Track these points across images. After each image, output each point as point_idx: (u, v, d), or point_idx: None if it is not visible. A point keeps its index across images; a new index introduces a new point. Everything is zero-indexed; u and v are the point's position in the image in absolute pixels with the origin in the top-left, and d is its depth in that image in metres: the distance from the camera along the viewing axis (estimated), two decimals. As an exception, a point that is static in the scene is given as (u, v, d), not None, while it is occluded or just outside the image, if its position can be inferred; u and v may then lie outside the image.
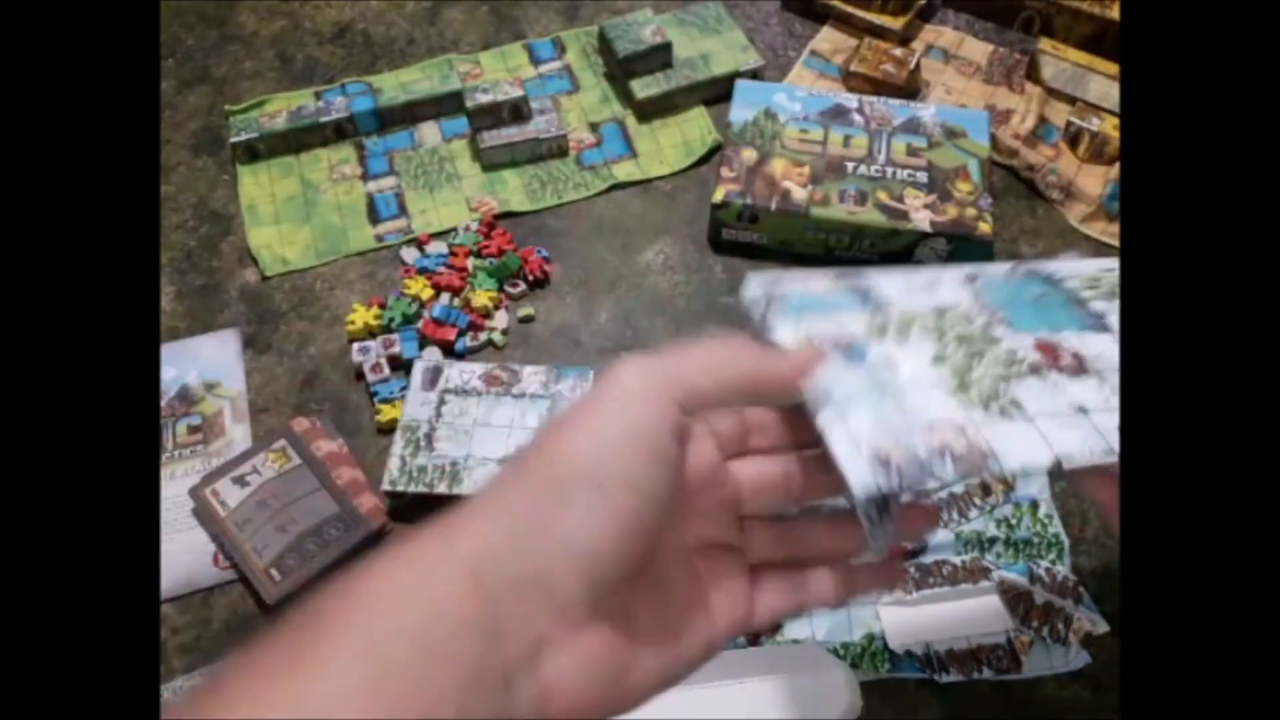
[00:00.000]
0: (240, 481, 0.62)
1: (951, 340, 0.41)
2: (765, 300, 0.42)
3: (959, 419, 0.36)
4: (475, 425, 0.63)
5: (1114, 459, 0.34)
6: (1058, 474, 0.35)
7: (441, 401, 0.65)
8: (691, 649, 0.29)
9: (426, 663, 0.22)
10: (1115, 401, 0.36)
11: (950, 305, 0.43)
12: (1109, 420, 0.36)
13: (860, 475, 0.31)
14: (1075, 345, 0.40)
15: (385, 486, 0.61)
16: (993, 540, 0.59)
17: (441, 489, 0.60)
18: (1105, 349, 0.40)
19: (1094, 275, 0.46)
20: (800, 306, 0.42)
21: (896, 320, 0.41)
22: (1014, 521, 0.60)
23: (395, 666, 0.22)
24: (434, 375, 0.66)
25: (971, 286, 0.45)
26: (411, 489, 0.60)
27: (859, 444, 0.33)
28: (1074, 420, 0.37)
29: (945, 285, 0.45)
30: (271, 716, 0.21)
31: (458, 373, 0.66)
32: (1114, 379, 0.38)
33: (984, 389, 0.38)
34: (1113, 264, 0.46)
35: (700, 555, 0.30)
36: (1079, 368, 0.39)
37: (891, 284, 0.45)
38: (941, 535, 0.59)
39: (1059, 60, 0.85)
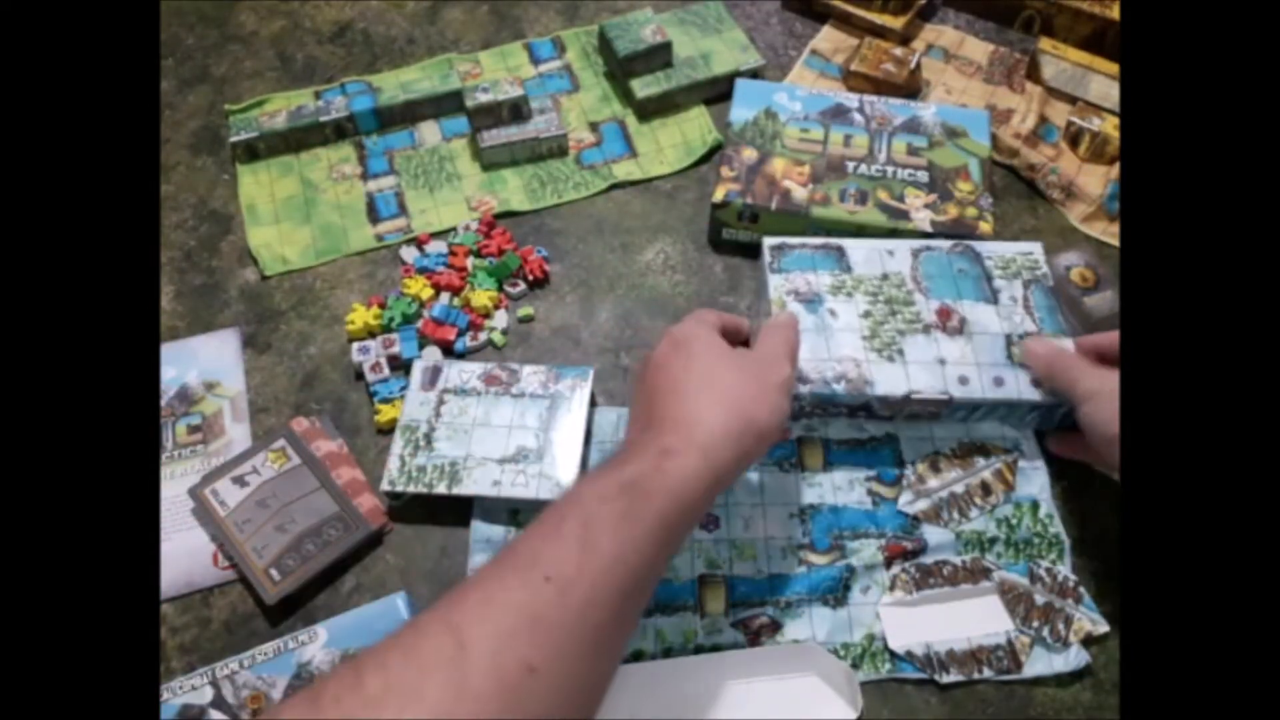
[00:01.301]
0: (240, 481, 0.62)
1: (881, 301, 0.63)
2: (775, 252, 0.66)
3: (859, 357, 0.60)
4: (474, 425, 0.63)
5: (946, 397, 0.59)
6: (906, 402, 0.59)
7: (441, 401, 0.65)
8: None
9: (691, 505, 0.43)
10: (970, 356, 0.60)
11: (894, 272, 0.65)
12: (955, 370, 0.60)
13: None
14: (965, 312, 0.62)
15: (384, 486, 0.61)
16: (993, 540, 0.59)
17: (441, 489, 0.60)
18: (984, 317, 0.62)
19: (1010, 258, 0.66)
20: (794, 261, 0.65)
21: (851, 282, 0.64)
22: (1014, 522, 0.60)
23: (686, 502, 0.43)
24: (433, 375, 0.66)
25: (916, 258, 0.65)
26: (411, 489, 0.60)
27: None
28: (933, 367, 0.60)
29: (899, 255, 0.66)
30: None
31: (457, 372, 0.66)
32: (978, 340, 0.61)
33: (884, 339, 0.61)
34: (1029, 248, 0.66)
35: None
36: (959, 329, 0.61)
37: (859, 250, 0.66)
38: (941, 535, 0.59)
39: (1059, 60, 0.85)
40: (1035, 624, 0.55)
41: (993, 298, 0.63)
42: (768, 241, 0.66)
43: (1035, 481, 0.61)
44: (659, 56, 0.85)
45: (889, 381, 0.59)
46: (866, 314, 0.62)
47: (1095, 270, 0.68)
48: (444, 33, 0.93)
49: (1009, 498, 0.61)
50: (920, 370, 0.60)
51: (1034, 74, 0.86)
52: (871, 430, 0.64)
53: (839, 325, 0.62)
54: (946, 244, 0.66)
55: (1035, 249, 0.66)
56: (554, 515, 0.41)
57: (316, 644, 0.55)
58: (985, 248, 0.66)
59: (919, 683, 0.55)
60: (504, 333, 0.71)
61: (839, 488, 0.61)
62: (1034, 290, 0.63)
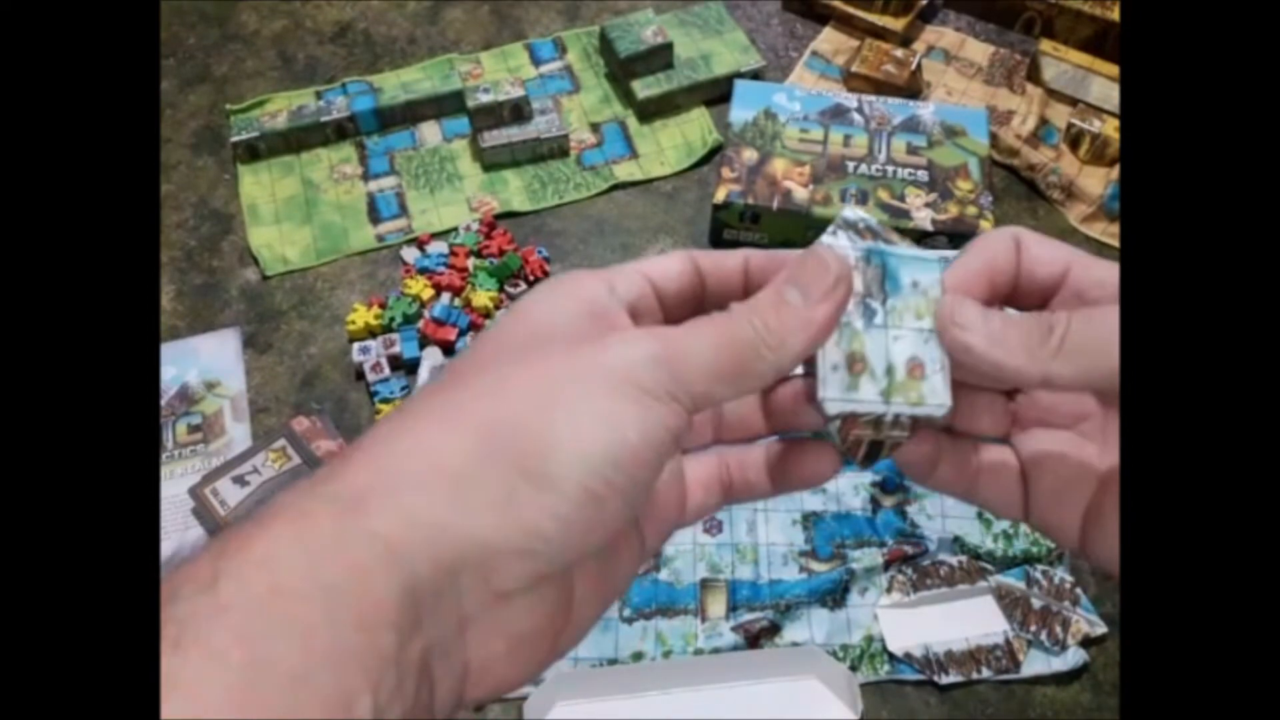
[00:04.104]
0: (240, 481, 0.62)
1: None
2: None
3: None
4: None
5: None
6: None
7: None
8: (623, 583, 0.26)
9: (325, 668, 0.18)
10: None
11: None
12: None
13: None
14: None
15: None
16: (990, 553, 0.59)
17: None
18: None
19: None
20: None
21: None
22: (1011, 532, 0.60)
23: (285, 674, 0.18)
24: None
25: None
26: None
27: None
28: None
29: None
30: None
31: (459, 372, 0.66)
32: None
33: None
34: None
35: None
36: None
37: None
38: (939, 537, 0.59)
39: (1060, 62, 0.85)
40: (1033, 628, 0.55)
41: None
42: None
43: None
44: (660, 57, 0.85)
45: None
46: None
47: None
48: (445, 33, 0.93)
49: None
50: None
51: (1035, 76, 0.86)
52: None
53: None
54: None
55: None
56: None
57: (316, 644, 0.55)
58: None
59: (918, 684, 0.55)
60: (504, 333, 0.71)
61: (842, 493, 0.61)
62: None
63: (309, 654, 0.18)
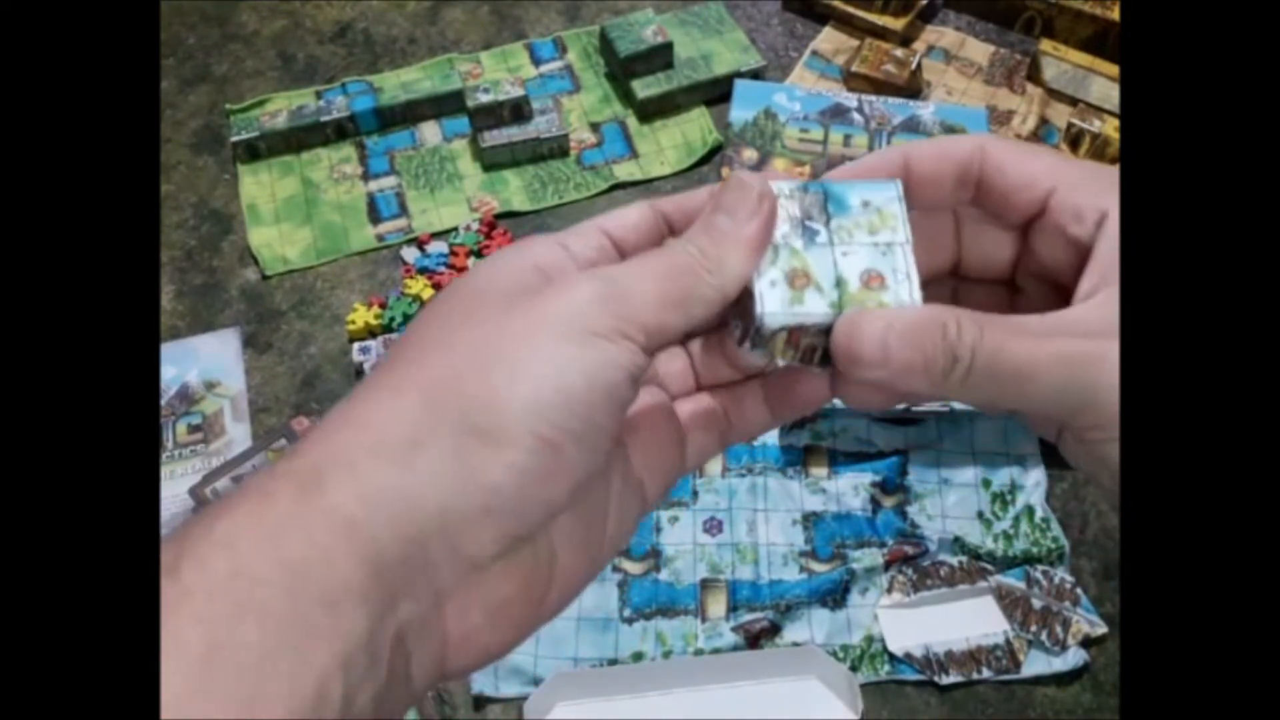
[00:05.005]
0: (240, 481, 0.62)
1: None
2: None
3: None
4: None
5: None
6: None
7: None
8: (617, 539, 0.25)
9: (289, 649, 0.18)
10: None
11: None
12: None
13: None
14: None
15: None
16: (990, 554, 0.59)
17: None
18: None
19: None
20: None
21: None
22: (1011, 532, 0.60)
23: (247, 657, 0.18)
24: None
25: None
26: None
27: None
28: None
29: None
30: None
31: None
32: None
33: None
34: None
35: (630, 447, 0.26)
36: None
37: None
38: (939, 537, 0.59)
39: (1060, 61, 0.85)
40: (1033, 628, 0.55)
41: None
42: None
43: (1032, 491, 0.61)
44: (660, 57, 0.85)
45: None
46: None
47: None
48: (445, 33, 0.93)
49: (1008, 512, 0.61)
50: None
51: (1035, 75, 0.86)
52: (880, 445, 0.63)
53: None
54: None
55: None
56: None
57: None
58: None
59: (919, 684, 0.55)
60: (504, 333, 0.71)
61: (842, 494, 0.61)
62: None
63: (271, 635, 0.18)
